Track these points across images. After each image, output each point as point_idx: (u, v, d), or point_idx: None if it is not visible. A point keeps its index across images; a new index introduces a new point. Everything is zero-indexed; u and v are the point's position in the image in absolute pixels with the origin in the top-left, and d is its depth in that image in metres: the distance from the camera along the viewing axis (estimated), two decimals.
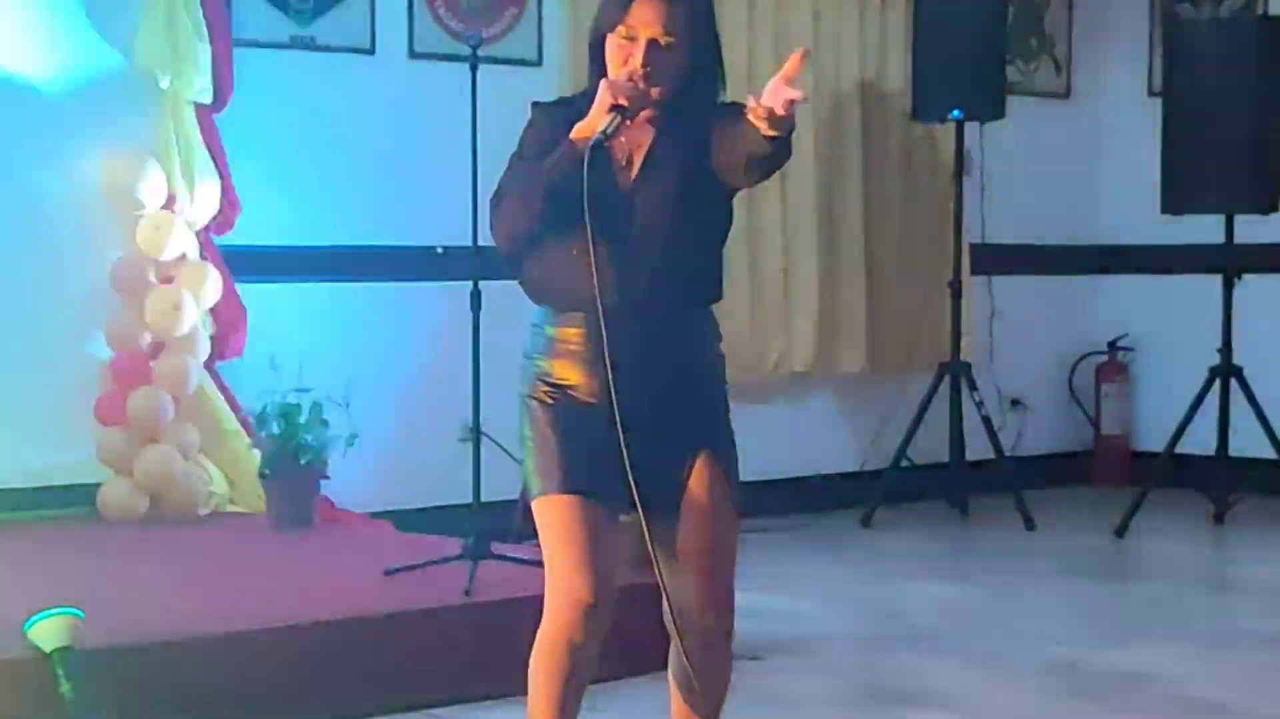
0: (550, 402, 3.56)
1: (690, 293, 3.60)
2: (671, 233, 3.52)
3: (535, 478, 3.55)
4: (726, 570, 3.66)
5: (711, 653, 3.68)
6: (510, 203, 3.52)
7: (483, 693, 4.97)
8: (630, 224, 3.51)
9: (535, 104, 3.65)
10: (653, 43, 3.49)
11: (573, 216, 3.41)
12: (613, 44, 3.52)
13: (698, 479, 3.59)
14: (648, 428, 3.51)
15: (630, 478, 3.43)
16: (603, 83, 3.49)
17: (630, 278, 3.49)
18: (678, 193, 3.53)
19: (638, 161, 3.55)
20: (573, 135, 3.47)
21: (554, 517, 3.50)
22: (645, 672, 4.96)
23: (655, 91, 3.50)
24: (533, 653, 3.56)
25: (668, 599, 3.60)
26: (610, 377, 3.44)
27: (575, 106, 3.55)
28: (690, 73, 3.54)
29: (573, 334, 3.54)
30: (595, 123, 3.44)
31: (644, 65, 3.48)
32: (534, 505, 3.56)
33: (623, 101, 3.44)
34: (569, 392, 3.56)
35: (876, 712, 5.16)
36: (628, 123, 3.49)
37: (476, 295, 5.77)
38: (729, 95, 3.64)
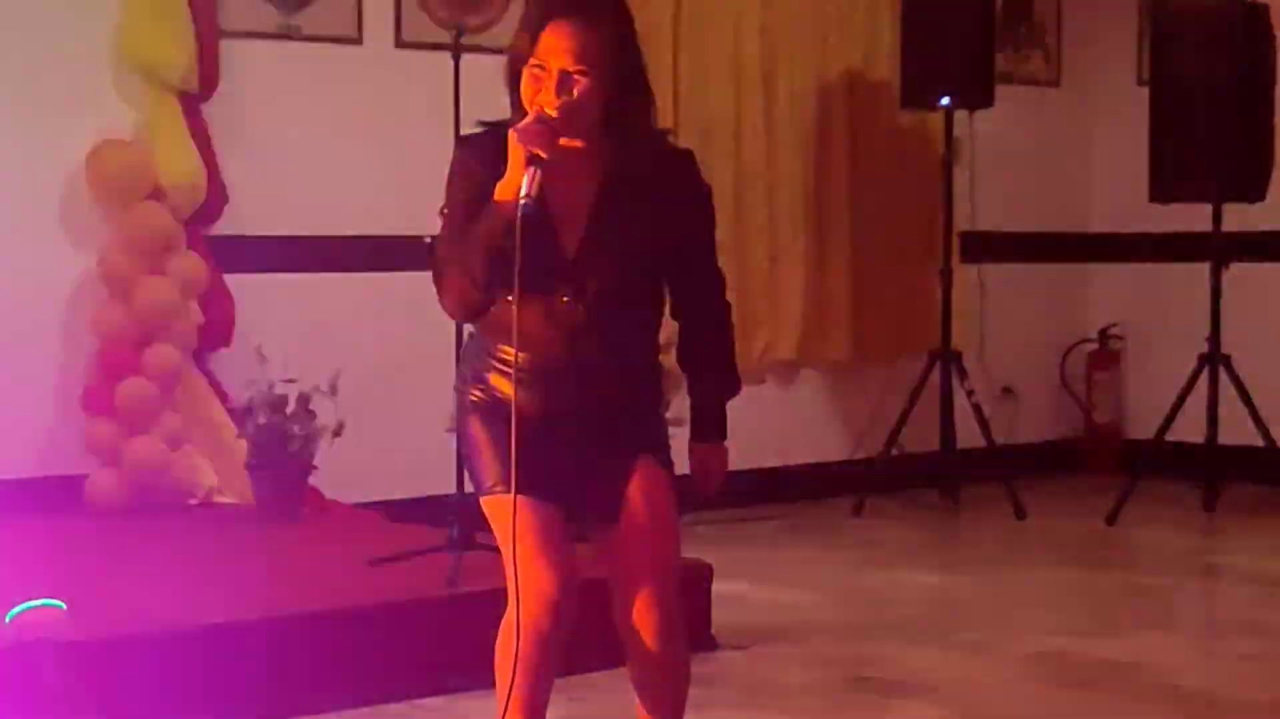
0: (485, 401, 3.54)
1: (634, 330, 3.55)
2: (619, 295, 3.45)
3: (481, 476, 3.54)
4: (671, 575, 3.63)
5: (664, 654, 3.65)
6: (453, 276, 3.41)
7: (466, 683, 4.95)
8: (575, 286, 3.42)
9: (459, 141, 3.52)
10: (564, 73, 3.34)
11: (522, 277, 3.32)
12: (526, 76, 3.37)
13: (637, 487, 3.55)
14: (583, 440, 3.51)
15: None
16: (511, 134, 3.33)
17: (567, 322, 3.44)
18: (626, 260, 3.45)
19: (581, 222, 3.43)
20: (496, 196, 3.33)
21: (506, 513, 3.46)
22: (623, 663, 4.96)
23: (574, 124, 3.36)
24: (497, 649, 3.56)
25: (614, 605, 3.61)
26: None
27: (501, 136, 3.40)
28: (610, 100, 3.38)
29: (511, 355, 3.47)
30: (515, 179, 3.30)
31: (556, 97, 3.33)
32: (483, 502, 3.55)
33: (537, 152, 3.30)
34: (504, 401, 3.50)
35: (862, 701, 5.15)
36: (581, 141, 3.39)
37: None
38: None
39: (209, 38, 7.05)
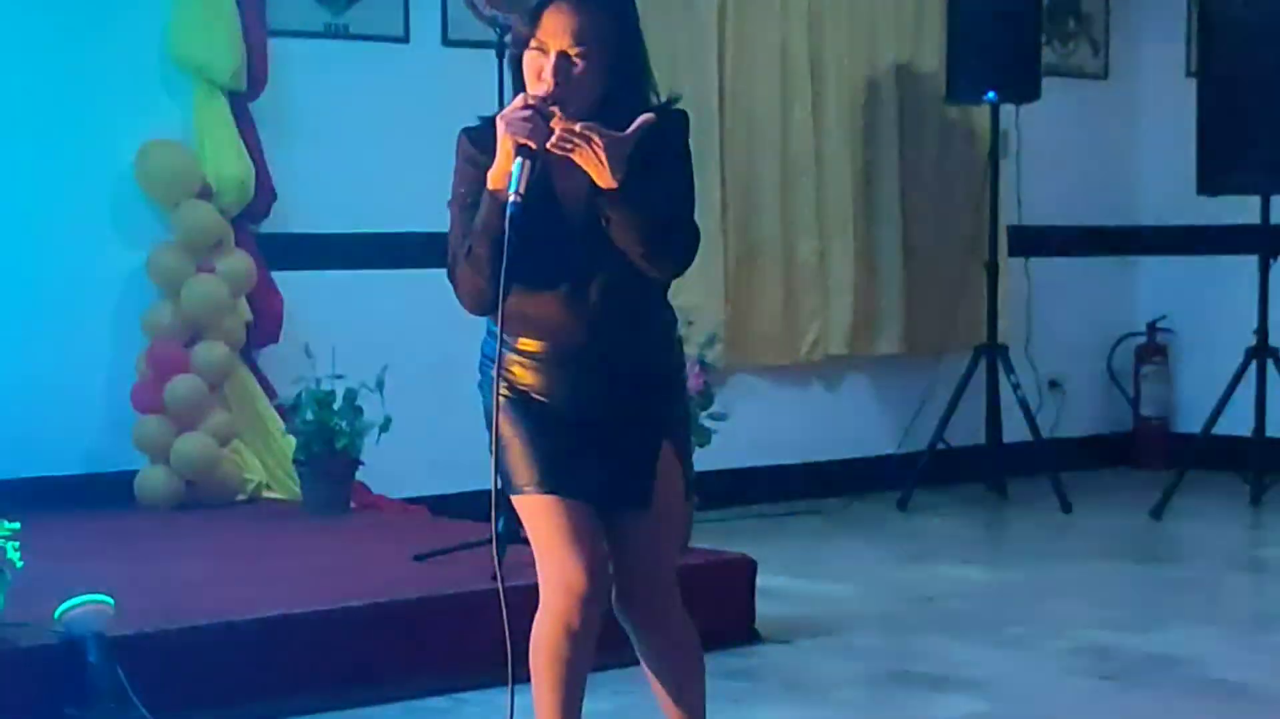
0: (512, 396, 3.54)
1: (649, 302, 3.55)
2: (630, 272, 3.44)
3: (513, 475, 3.54)
4: (670, 563, 3.68)
5: (670, 638, 3.71)
6: (463, 272, 3.44)
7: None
8: (580, 263, 3.43)
9: (464, 131, 3.51)
10: (562, 55, 3.36)
11: (526, 261, 3.35)
12: (528, 59, 3.40)
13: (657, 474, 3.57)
14: (607, 426, 3.52)
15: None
16: (499, 123, 3.33)
17: (585, 306, 3.46)
18: None
19: (584, 205, 3.41)
20: (489, 185, 3.36)
21: (537, 512, 3.51)
22: None
23: (570, 106, 3.35)
24: (531, 644, 3.59)
25: (615, 591, 3.65)
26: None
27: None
28: (610, 83, 3.40)
29: (532, 345, 3.52)
30: (505, 166, 3.32)
31: (554, 78, 3.34)
32: (515, 501, 3.56)
33: (526, 142, 3.30)
34: (528, 392, 3.54)
35: (904, 696, 5.16)
36: (566, 133, 3.34)
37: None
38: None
39: (257, 37, 7.10)
